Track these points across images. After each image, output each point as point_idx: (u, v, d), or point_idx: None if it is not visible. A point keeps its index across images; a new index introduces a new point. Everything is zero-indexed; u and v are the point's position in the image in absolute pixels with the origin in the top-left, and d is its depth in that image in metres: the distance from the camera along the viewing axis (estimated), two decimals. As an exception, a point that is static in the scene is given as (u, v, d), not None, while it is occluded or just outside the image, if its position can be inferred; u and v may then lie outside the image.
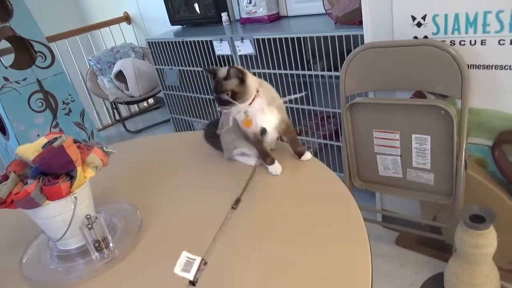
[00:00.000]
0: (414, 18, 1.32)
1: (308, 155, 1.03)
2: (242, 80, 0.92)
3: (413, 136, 1.37)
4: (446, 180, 1.37)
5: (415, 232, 1.57)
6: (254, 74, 0.98)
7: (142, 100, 3.68)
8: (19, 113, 2.65)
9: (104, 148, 0.84)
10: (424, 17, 1.30)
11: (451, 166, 1.33)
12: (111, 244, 0.82)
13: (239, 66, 0.94)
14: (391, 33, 1.39)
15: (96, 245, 0.80)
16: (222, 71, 0.92)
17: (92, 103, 3.87)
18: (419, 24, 1.32)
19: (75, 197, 0.77)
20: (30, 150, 0.76)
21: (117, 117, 3.82)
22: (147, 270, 0.77)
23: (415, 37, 1.34)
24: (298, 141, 1.05)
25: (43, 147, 0.76)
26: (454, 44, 1.27)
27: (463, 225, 1.21)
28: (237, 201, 0.91)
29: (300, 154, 1.04)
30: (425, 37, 1.32)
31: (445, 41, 1.28)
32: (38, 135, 2.72)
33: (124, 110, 4.05)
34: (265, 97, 0.96)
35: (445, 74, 1.26)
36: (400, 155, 1.43)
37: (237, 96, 0.91)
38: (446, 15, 1.25)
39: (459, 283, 1.28)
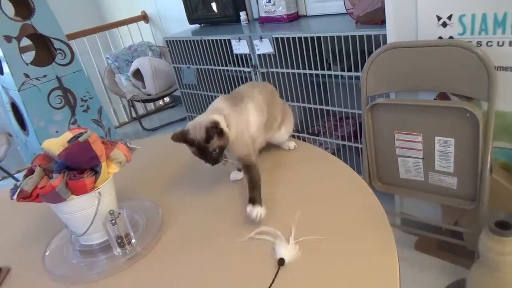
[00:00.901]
0: (439, 18, 1.29)
1: (257, 211, 0.82)
2: (220, 132, 0.86)
3: (436, 138, 1.34)
4: (469, 184, 1.34)
5: (436, 236, 1.54)
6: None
7: (159, 98, 3.70)
8: (39, 109, 2.70)
9: (128, 144, 0.84)
10: (450, 17, 1.27)
11: (475, 170, 1.29)
12: (133, 241, 0.82)
13: (213, 119, 0.86)
14: (415, 33, 1.36)
15: (119, 241, 0.80)
16: (195, 134, 0.85)
17: (109, 101, 3.91)
18: (444, 24, 1.29)
19: (99, 192, 0.77)
20: (55, 145, 0.77)
21: (134, 115, 3.85)
22: (168, 268, 0.77)
23: (440, 37, 1.31)
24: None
25: (68, 141, 0.76)
26: (481, 45, 1.24)
27: (488, 231, 1.17)
28: (251, 200, 0.85)
29: (251, 200, 0.84)
30: (451, 37, 1.29)
31: (471, 41, 1.25)
32: (57, 131, 2.76)
33: (140, 108, 4.08)
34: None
35: (471, 76, 1.22)
36: (422, 158, 1.40)
37: (224, 147, 0.88)
38: (473, 15, 1.22)
39: (482, 290, 1.25)
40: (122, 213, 0.80)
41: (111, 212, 0.78)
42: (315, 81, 1.99)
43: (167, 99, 4.25)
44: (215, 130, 0.85)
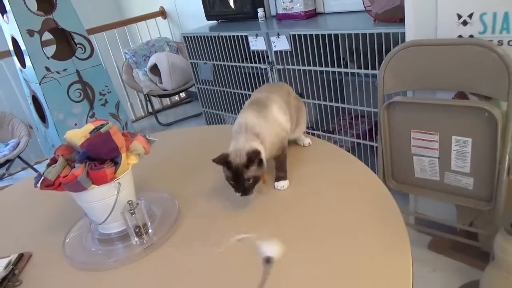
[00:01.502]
0: (460, 16, 1.27)
1: (283, 184, 0.94)
2: (260, 162, 0.86)
3: (453, 138, 1.33)
4: (486, 185, 1.32)
5: (450, 237, 1.53)
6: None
7: (175, 94, 3.74)
8: (59, 102, 2.76)
9: (147, 137, 0.86)
10: (470, 16, 1.25)
11: (492, 170, 1.28)
12: (150, 230, 0.84)
13: (255, 148, 0.87)
14: (434, 32, 1.35)
15: (136, 230, 0.82)
16: (235, 158, 0.85)
17: (126, 95, 3.97)
18: (464, 23, 1.27)
19: (119, 183, 0.79)
20: (78, 136, 0.79)
21: (150, 110, 3.90)
22: (184, 258, 0.78)
23: (460, 36, 1.30)
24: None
25: (90, 133, 0.78)
26: (502, 44, 1.22)
27: (504, 233, 1.16)
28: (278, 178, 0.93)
29: (278, 179, 0.95)
30: (471, 36, 1.27)
31: (492, 40, 1.23)
32: (76, 124, 2.82)
33: (156, 103, 4.13)
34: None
35: (491, 75, 1.21)
36: (438, 157, 1.39)
37: (258, 179, 0.87)
38: (494, 14, 1.20)
39: (497, 292, 1.24)
40: (140, 203, 0.82)
41: (130, 202, 0.80)
42: (331, 79, 1.99)
43: (183, 95, 4.29)
44: (256, 157, 0.85)
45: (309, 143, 1.12)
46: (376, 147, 1.71)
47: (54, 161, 0.79)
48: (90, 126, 0.81)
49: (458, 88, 1.35)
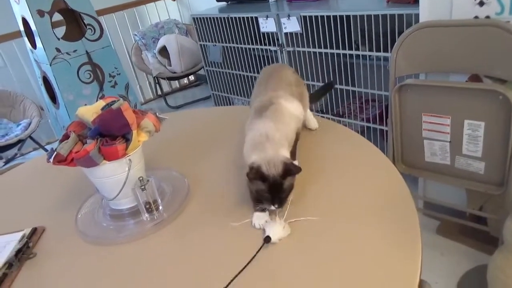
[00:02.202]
0: (476, -4, 1.24)
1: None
2: (297, 170, 0.79)
3: (466, 122, 1.31)
4: (497, 170, 1.31)
5: (459, 221, 1.52)
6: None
7: (184, 76, 3.73)
8: (69, 83, 2.77)
9: (157, 115, 0.86)
10: (487, -4, 1.22)
11: (504, 155, 1.26)
12: (160, 207, 0.85)
13: (288, 157, 0.81)
14: (449, 12, 1.32)
15: (147, 206, 0.83)
16: (268, 169, 0.77)
17: (135, 77, 3.97)
18: (481, 3, 1.24)
19: (130, 159, 0.80)
20: (89, 112, 0.79)
21: (159, 92, 3.91)
22: (193, 234, 0.79)
23: (476, 17, 1.26)
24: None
25: (102, 109, 0.79)
26: (519, 25, 1.19)
27: (514, 217, 1.15)
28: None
29: None
30: (487, 17, 1.24)
31: (509, 21, 1.20)
32: (86, 105, 2.83)
33: (165, 86, 4.13)
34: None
35: (507, 57, 1.18)
36: (450, 141, 1.38)
37: (292, 189, 0.80)
38: (512, -6, 1.17)
39: (505, 277, 1.23)
40: (150, 180, 0.83)
41: (141, 178, 0.81)
42: (342, 62, 1.96)
43: (192, 78, 4.28)
44: (293, 166, 0.79)
45: (316, 127, 1.09)
46: (386, 131, 1.69)
47: (66, 137, 0.80)
48: (101, 103, 0.81)
49: (472, 71, 1.33)
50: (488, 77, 1.30)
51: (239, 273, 0.67)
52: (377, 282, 0.61)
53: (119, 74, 2.99)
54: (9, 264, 0.79)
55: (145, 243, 0.80)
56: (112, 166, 0.78)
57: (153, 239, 0.81)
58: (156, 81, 3.78)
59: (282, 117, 0.90)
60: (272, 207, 0.78)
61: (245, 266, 0.68)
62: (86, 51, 2.80)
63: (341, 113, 2.17)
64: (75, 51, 2.76)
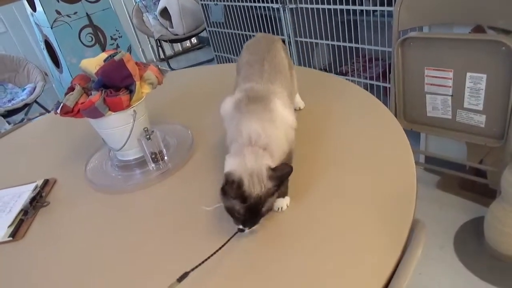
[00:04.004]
0: None
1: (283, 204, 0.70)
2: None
3: (468, 74, 1.31)
4: (498, 123, 1.32)
5: (459, 175, 1.55)
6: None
7: (186, 39, 3.69)
8: (71, 46, 2.76)
9: (160, 67, 0.87)
10: None
11: (505, 107, 1.27)
12: (165, 158, 0.88)
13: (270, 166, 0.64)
14: (455, -38, 1.28)
15: (153, 156, 0.86)
16: (252, 186, 0.61)
17: (137, 40, 3.93)
18: (488, -49, 1.21)
19: (134, 111, 0.82)
20: (92, 64, 0.81)
21: (162, 55, 3.88)
22: (198, 184, 0.83)
23: (482, -34, 1.23)
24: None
25: (104, 60, 0.80)
26: (526, -27, 1.16)
27: (512, 167, 1.18)
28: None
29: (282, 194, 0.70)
30: (494, -35, 1.21)
31: (516, -31, 1.17)
32: (89, 69, 2.83)
33: (168, 49, 4.09)
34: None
35: (510, 7, 1.16)
36: (452, 95, 1.38)
37: (271, 208, 0.66)
38: None
39: (501, 225, 1.28)
40: (155, 130, 0.85)
41: (145, 129, 0.84)
42: (345, 19, 1.93)
43: (194, 41, 4.23)
44: (284, 178, 0.64)
45: (303, 106, 1.00)
46: (389, 88, 1.69)
47: (71, 89, 0.82)
48: (104, 55, 0.82)
49: (476, 21, 1.31)
50: (492, 29, 1.28)
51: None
52: (374, 225, 0.64)
53: (121, 36, 2.96)
54: (24, 212, 0.83)
55: (152, 192, 0.84)
56: (117, 117, 0.81)
57: (159, 188, 0.84)
58: (159, 44, 3.74)
59: (271, 115, 0.72)
60: (241, 227, 0.62)
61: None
62: (87, 13, 2.77)
63: (344, 72, 2.16)
64: (75, 13, 2.72)
